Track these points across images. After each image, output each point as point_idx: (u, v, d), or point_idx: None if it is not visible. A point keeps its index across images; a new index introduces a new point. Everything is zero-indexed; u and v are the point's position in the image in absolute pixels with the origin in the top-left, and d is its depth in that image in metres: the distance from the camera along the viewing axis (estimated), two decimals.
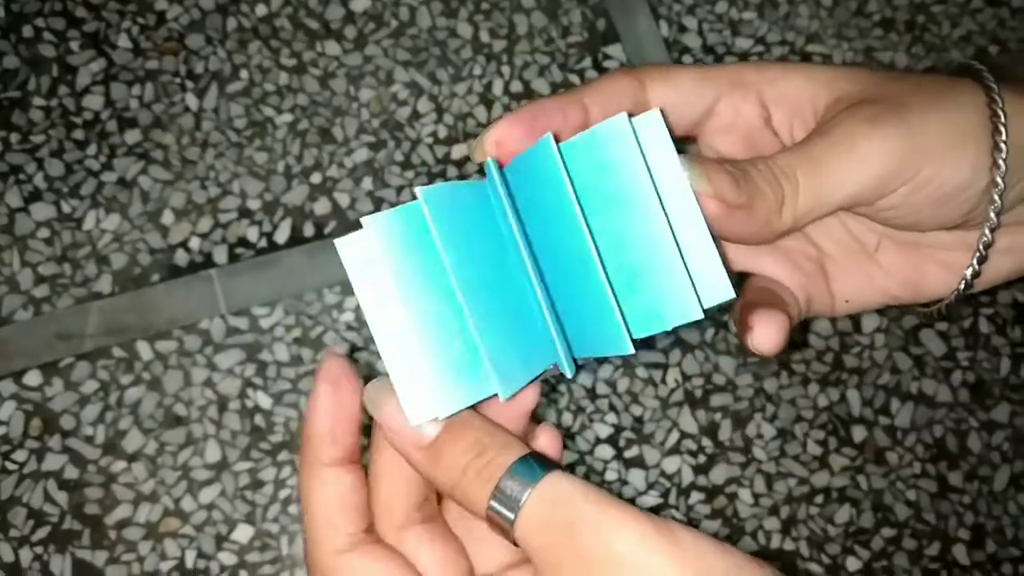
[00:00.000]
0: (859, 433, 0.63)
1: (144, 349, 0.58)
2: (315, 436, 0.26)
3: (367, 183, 0.62)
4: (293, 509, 0.57)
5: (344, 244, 0.25)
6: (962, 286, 0.30)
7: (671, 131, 0.25)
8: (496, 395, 0.24)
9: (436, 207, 0.23)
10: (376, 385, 0.26)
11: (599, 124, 0.24)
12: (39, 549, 0.55)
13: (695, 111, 0.29)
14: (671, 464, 0.60)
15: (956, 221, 0.28)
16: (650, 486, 0.60)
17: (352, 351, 0.59)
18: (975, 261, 0.29)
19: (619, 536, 0.22)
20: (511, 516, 0.23)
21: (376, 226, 0.24)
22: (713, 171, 0.25)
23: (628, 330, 0.24)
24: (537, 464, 0.23)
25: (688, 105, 0.28)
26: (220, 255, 0.60)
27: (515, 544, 0.23)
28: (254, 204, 0.61)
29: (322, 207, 0.61)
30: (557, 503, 0.22)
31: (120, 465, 0.56)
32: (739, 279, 0.27)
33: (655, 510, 0.60)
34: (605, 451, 0.60)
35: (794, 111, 0.28)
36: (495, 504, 0.23)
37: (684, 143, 0.29)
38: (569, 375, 0.26)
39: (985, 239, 0.28)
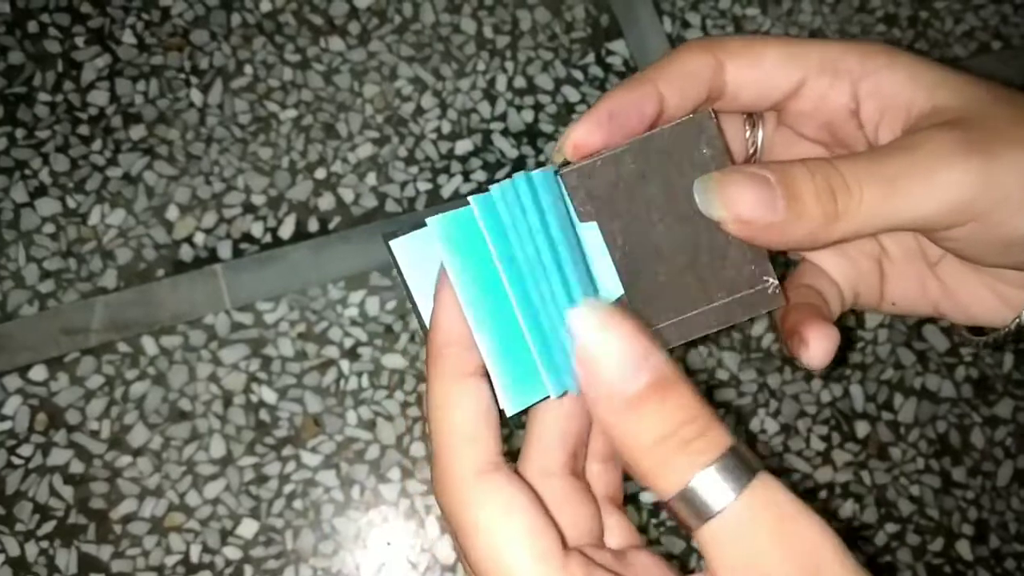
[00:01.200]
0: (862, 428, 0.63)
1: (149, 344, 0.58)
2: (452, 343, 0.23)
3: (371, 178, 0.62)
4: (298, 504, 0.57)
5: (398, 245, 0.24)
6: (1013, 326, 0.29)
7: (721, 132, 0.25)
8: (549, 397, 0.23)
9: (487, 213, 0.23)
10: (594, 304, 0.22)
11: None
12: (45, 543, 0.55)
13: (778, 92, 0.27)
14: None
15: (1021, 266, 0.26)
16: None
17: (356, 347, 0.59)
18: None
19: (831, 557, 0.20)
20: (709, 511, 0.20)
21: (437, 227, 0.23)
22: (738, 190, 0.24)
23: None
24: (747, 458, 0.20)
25: (770, 86, 0.27)
26: (224, 250, 0.60)
27: (690, 534, 0.21)
28: (258, 199, 0.61)
29: (326, 202, 0.61)
30: (767, 510, 0.20)
31: (125, 460, 0.56)
32: (784, 268, 0.27)
33: (658, 507, 0.60)
34: None
35: (886, 109, 0.27)
36: (693, 490, 0.20)
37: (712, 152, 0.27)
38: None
39: None
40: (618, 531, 0.27)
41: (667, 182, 0.25)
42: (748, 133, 0.30)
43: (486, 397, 0.23)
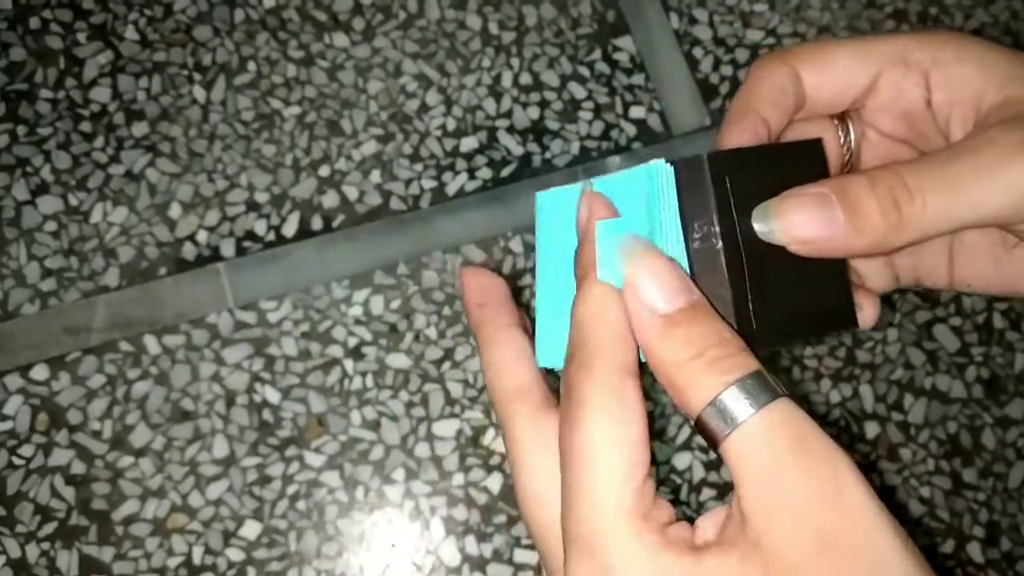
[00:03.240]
0: (872, 429, 0.62)
1: (151, 343, 0.57)
2: (493, 303, 0.27)
3: (375, 176, 0.61)
4: (301, 505, 0.56)
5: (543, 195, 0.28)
6: None
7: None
8: None
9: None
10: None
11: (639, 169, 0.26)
12: (46, 545, 0.54)
13: (855, 90, 0.28)
14: (682, 460, 0.60)
15: None
16: (661, 483, 0.59)
17: (360, 346, 0.59)
18: None
19: (853, 480, 0.21)
20: (733, 423, 0.21)
21: (537, 199, 0.27)
22: (795, 212, 0.25)
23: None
24: (767, 386, 0.22)
25: (846, 85, 0.28)
26: (228, 248, 0.59)
27: (714, 449, 0.22)
28: (262, 197, 0.60)
29: (330, 200, 0.61)
30: (786, 427, 0.21)
31: (127, 460, 0.56)
32: None
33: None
34: None
35: (956, 100, 0.27)
36: (720, 403, 0.22)
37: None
38: None
39: None
40: None
41: (777, 192, 0.26)
42: (842, 139, 0.31)
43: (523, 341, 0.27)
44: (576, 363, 0.24)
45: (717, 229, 0.25)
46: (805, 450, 0.21)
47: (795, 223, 0.25)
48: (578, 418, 0.23)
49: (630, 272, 0.24)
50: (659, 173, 0.25)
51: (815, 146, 0.27)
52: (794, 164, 0.27)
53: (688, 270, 0.25)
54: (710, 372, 0.22)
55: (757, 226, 0.25)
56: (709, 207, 0.25)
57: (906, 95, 0.28)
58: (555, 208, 0.27)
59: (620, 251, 0.24)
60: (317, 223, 0.60)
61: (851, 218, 0.25)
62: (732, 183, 0.26)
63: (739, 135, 0.27)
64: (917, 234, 0.25)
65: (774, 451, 0.21)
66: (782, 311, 0.26)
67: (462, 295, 0.28)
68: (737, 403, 0.22)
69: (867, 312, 0.29)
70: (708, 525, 0.22)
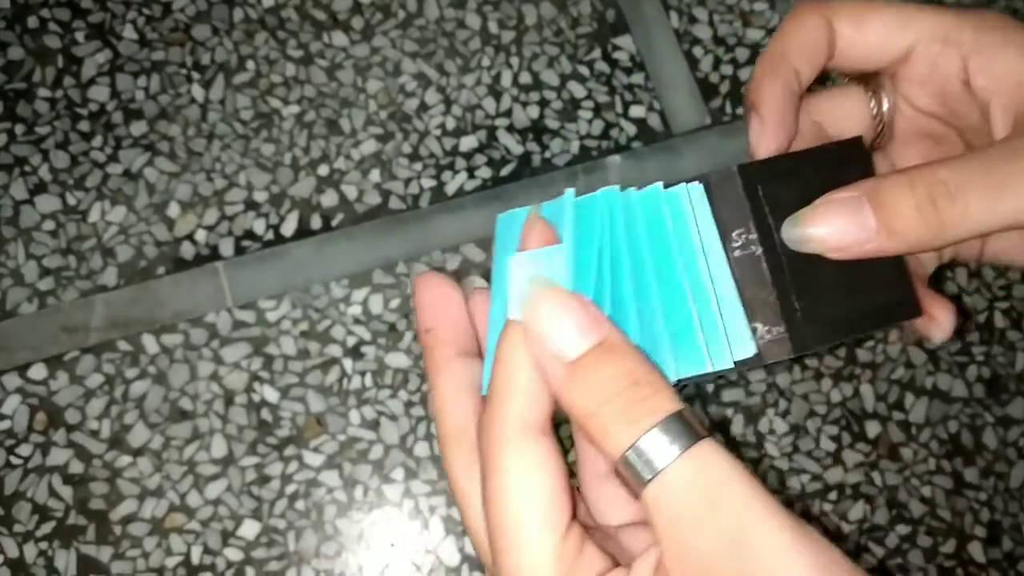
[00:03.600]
0: (873, 428, 0.62)
1: (150, 342, 0.57)
2: (444, 324, 0.25)
3: (375, 175, 0.61)
4: (300, 504, 0.56)
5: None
6: None
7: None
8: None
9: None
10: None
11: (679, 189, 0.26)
12: (44, 545, 0.54)
13: (887, 55, 0.28)
14: None
15: None
16: None
17: (359, 345, 0.58)
18: None
19: (761, 530, 0.20)
20: (650, 472, 0.20)
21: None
22: (825, 221, 0.24)
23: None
24: (688, 428, 0.21)
25: (879, 47, 0.28)
26: (226, 248, 0.59)
27: (635, 498, 0.21)
28: (261, 196, 0.60)
29: (329, 199, 0.61)
30: (705, 474, 0.20)
31: (125, 460, 0.56)
32: None
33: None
34: None
35: (998, 88, 0.26)
36: (635, 452, 0.20)
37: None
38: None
39: None
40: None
41: (813, 197, 0.26)
42: (874, 110, 0.30)
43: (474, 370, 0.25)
44: (487, 416, 0.23)
45: (755, 236, 0.25)
46: (720, 502, 0.20)
47: (824, 232, 0.24)
48: (489, 484, 0.22)
49: (530, 317, 0.22)
50: (684, 194, 0.25)
51: (856, 145, 0.27)
52: (833, 165, 0.26)
53: (733, 282, 0.25)
54: (623, 419, 0.21)
55: (787, 237, 0.25)
56: (745, 215, 0.25)
57: (941, 71, 0.27)
58: (510, 230, 0.26)
59: (527, 291, 0.23)
60: (316, 222, 0.60)
61: (884, 222, 0.24)
62: (766, 190, 0.26)
63: (771, 88, 0.27)
64: (960, 236, 0.24)
65: (690, 503, 0.20)
66: (832, 309, 0.26)
67: (415, 309, 0.26)
68: (655, 449, 0.21)
69: (941, 320, 0.28)
70: (643, 571, 0.22)
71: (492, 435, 0.23)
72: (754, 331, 0.25)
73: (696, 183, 0.25)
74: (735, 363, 0.25)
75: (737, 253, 0.25)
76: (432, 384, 0.26)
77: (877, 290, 0.26)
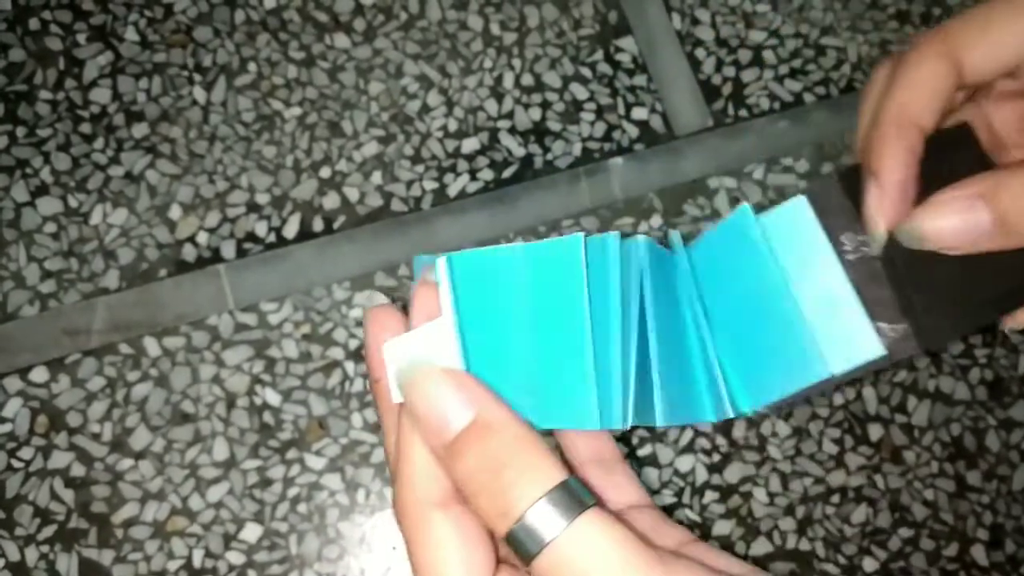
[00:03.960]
0: (875, 431, 0.62)
1: (151, 345, 0.57)
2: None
3: (377, 177, 0.61)
4: (302, 508, 0.56)
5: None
6: None
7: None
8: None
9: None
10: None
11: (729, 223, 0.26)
12: (45, 548, 0.54)
13: (1016, 61, 0.26)
14: (685, 463, 0.60)
15: None
16: (664, 485, 0.59)
17: (361, 348, 0.58)
18: None
19: None
20: (536, 546, 0.21)
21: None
22: (939, 223, 0.24)
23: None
24: (573, 498, 0.21)
25: (1009, 59, 0.26)
26: (228, 250, 0.59)
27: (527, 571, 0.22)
28: (262, 198, 0.60)
29: (331, 201, 0.60)
30: (591, 544, 0.20)
31: (127, 463, 0.55)
32: None
33: (669, 510, 0.59)
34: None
35: None
36: (525, 524, 0.21)
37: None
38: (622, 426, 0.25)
39: None
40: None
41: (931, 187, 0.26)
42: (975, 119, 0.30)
43: None
44: (396, 496, 0.24)
45: (864, 237, 0.26)
46: (606, 571, 0.20)
47: (939, 230, 0.24)
48: (411, 558, 0.23)
49: (408, 401, 0.23)
50: (783, 214, 0.26)
51: (963, 133, 0.27)
52: (940, 155, 0.26)
53: (851, 289, 0.25)
54: (507, 496, 0.21)
55: (901, 236, 0.25)
56: (851, 218, 0.26)
57: None
58: (472, 272, 0.25)
59: (402, 376, 0.23)
60: (318, 224, 0.60)
61: (1001, 219, 0.24)
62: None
63: (894, 152, 0.26)
64: None
65: (576, 573, 0.20)
66: (953, 302, 0.26)
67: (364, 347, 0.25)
68: (542, 522, 0.21)
69: None
70: None
71: (403, 514, 0.23)
72: (879, 331, 0.26)
73: (798, 197, 0.26)
74: (864, 364, 0.25)
75: (850, 257, 0.26)
76: (385, 435, 0.26)
77: (997, 279, 0.26)
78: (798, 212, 0.26)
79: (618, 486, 0.28)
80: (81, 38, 0.61)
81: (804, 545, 0.59)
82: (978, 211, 0.24)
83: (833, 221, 0.26)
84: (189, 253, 0.59)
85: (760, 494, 0.60)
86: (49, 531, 0.54)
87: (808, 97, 0.67)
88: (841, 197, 0.26)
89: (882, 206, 0.26)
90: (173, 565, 0.54)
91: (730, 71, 0.67)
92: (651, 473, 0.59)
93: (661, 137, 0.65)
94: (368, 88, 0.63)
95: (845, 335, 0.25)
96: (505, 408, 0.22)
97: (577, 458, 0.29)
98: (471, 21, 0.65)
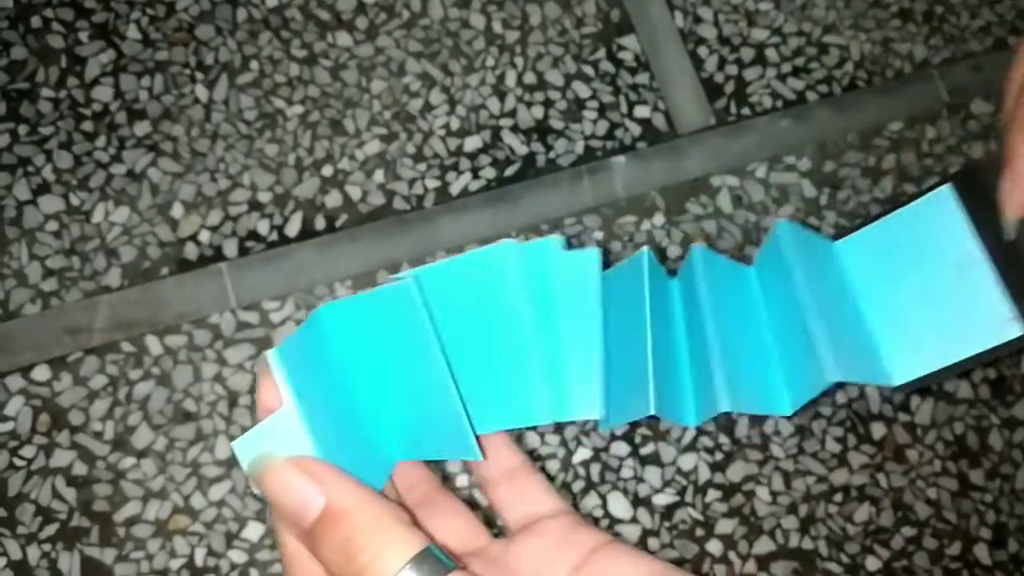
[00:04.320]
0: (878, 430, 0.62)
1: (153, 344, 0.57)
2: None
3: (379, 176, 0.61)
4: None
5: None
6: None
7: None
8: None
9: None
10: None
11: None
12: (47, 547, 0.54)
13: None
14: (687, 461, 0.59)
15: None
16: (666, 483, 0.59)
17: None
18: None
19: None
20: None
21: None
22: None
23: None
24: (434, 565, 0.21)
25: None
26: (230, 248, 0.59)
27: None
28: (264, 197, 0.60)
29: (333, 200, 0.60)
30: None
31: (129, 461, 0.55)
32: None
33: (672, 508, 0.59)
34: (621, 448, 0.59)
35: None
36: None
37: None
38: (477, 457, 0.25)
39: None
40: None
41: None
42: None
43: None
44: None
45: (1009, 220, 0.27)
46: None
47: None
48: None
49: (264, 495, 0.23)
50: (940, 198, 0.28)
51: None
52: None
53: (998, 272, 0.27)
54: (369, 571, 0.21)
55: (1007, 232, 0.27)
56: (990, 205, 0.27)
57: None
58: (295, 361, 0.25)
59: (252, 471, 0.23)
60: (320, 223, 0.60)
61: None
62: None
63: None
64: None
65: None
66: None
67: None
68: None
69: None
70: None
71: None
72: (1019, 312, 0.27)
73: (945, 186, 0.28)
74: (1003, 343, 0.27)
75: (990, 242, 0.27)
76: (276, 530, 0.26)
77: None
78: (944, 199, 0.28)
79: (531, 499, 0.28)
80: (83, 36, 0.61)
81: (807, 544, 0.59)
82: None
83: (976, 214, 0.27)
84: (191, 251, 0.58)
85: (763, 493, 0.59)
86: (51, 530, 0.54)
87: (811, 95, 0.67)
88: (981, 186, 0.27)
89: (1013, 192, 0.27)
90: (175, 564, 0.54)
91: (732, 69, 0.67)
92: (653, 472, 0.59)
93: (664, 135, 0.64)
94: (370, 86, 0.62)
95: (987, 315, 0.27)
96: (354, 488, 0.23)
97: (489, 478, 0.29)
98: (473, 19, 0.65)
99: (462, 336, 0.26)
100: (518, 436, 0.58)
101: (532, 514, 0.27)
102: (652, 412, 0.26)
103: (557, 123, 0.63)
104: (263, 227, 0.59)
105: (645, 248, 0.27)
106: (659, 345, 0.27)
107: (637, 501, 0.58)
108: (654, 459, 0.59)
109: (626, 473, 0.58)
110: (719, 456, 0.60)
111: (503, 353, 0.26)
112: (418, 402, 0.25)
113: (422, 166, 0.62)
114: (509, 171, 0.62)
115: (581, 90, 0.64)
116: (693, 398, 0.28)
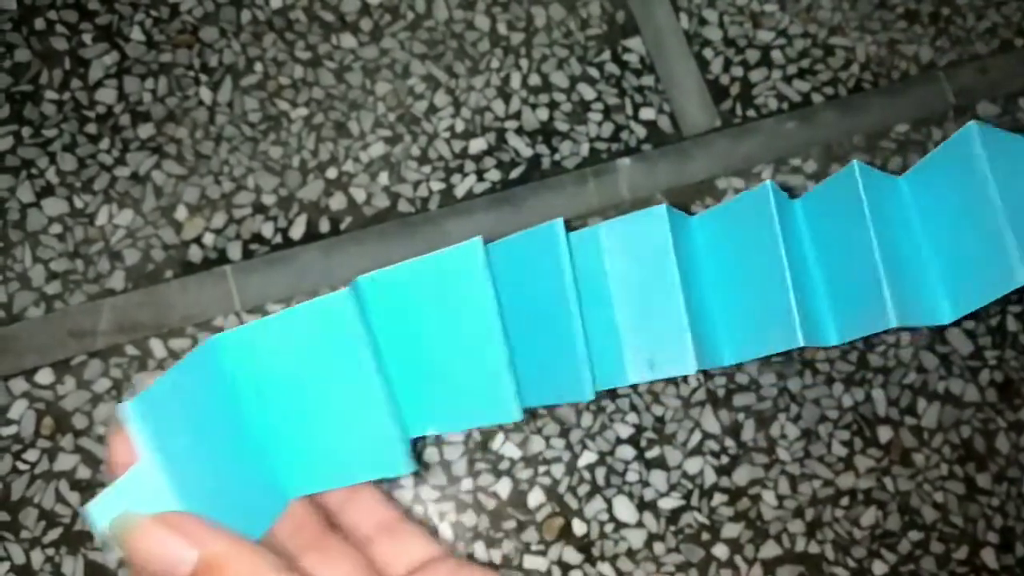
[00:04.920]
0: (885, 434, 0.61)
1: (157, 347, 0.57)
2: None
3: (383, 178, 0.61)
4: None
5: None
6: None
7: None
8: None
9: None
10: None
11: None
12: (51, 551, 0.54)
13: None
14: (693, 465, 0.59)
15: None
16: (672, 487, 0.59)
17: None
18: None
19: None
20: None
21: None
22: None
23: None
24: None
25: None
26: (234, 251, 0.59)
27: None
28: (269, 199, 0.60)
29: (338, 202, 0.60)
30: None
31: None
32: None
33: (677, 512, 0.59)
34: (626, 452, 0.59)
35: None
36: None
37: None
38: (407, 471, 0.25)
39: None
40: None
41: None
42: None
43: None
44: None
45: None
46: None
47: None
48: None
49: (128, 559, 0.22)
50: (1010, 137, 0.29)
51: None
52: None
53: None
54: None
55: None
56: None
57: None
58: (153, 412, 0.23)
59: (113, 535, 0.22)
60: (324, 225, 0.60)
61: None
62: None
63: None
64: None
65: None
66: None
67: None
68: None
69: None
70: None
71: None
72: None
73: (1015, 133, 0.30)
74: None
75: None
76: None
77: None
78: (1019, 141, 0.29)
79: (409, 548, 0.28)
80: (87, 38, 0.61)
81: (813, 548, 0.59)
82: None
83: None
84: (195, 254, 0.58)
85: (769, 497, 0.59)
86: (55, 534, 0.54)
87: (816, 97, 0.67)
88: None
89: None
90: None
91: (738, 71, 0.67)
92: (659, 476, 0.59)
93: (669, 137, 0.64)
94: (375, 88, 0.62)
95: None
96: (227, 538, 0.22)
97: (363, 534, 0.28)
98: (478, 21, 0.65)
99: (514, 310, 0.27)
100: (520, 439, 0.58)
101: (412, 562, 0.27)
102: (894, 324, 0.30)
103: (562, 125, 0.63)
104: (267, 230, 0.59)
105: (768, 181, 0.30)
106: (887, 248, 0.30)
107: (643, 505, 0.58)
108: (660, 463, 0.59)
109: (632, 477, 0.58)
110: (725, 460, 0.59)
111: (548, 328, 0.27)
112: (346, 421, 0.24)
113: (427, 168, 0.61)
114: (514, 173, 0.62)
115: (586, 92, 0.64)
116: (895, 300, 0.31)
